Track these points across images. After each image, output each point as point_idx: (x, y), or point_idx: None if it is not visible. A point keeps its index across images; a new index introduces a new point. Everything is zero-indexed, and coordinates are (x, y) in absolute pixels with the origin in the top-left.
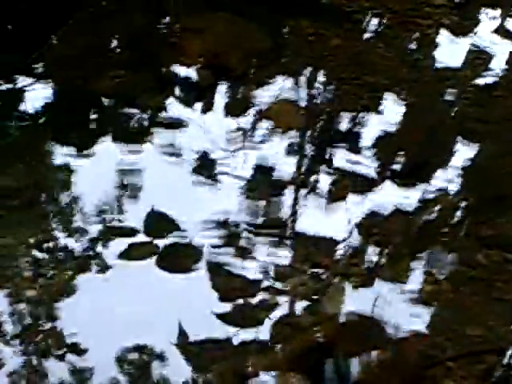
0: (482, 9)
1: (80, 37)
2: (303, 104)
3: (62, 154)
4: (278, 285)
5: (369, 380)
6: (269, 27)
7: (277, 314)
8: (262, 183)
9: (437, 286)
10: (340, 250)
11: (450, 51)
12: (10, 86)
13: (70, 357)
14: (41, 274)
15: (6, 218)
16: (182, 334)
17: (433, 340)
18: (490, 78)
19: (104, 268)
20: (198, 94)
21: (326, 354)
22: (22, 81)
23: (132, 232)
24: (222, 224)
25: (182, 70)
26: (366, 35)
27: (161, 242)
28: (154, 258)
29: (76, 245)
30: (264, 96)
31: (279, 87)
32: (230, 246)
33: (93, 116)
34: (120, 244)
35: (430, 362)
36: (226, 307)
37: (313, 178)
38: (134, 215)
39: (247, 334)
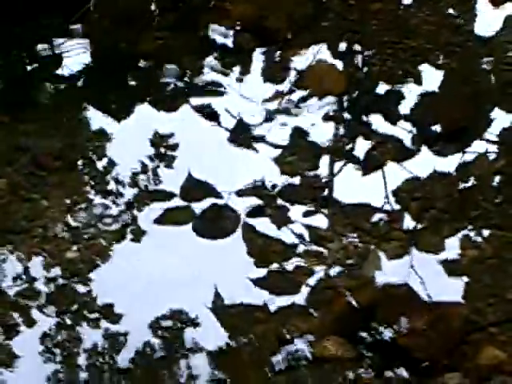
0: None
1: None
2: (343, 69)
3: (100, 117)
4: (317, 249)
5: (409, 345)
6: None
7: (316, 278)
8: (300, 149)
9: (478, 251)
10: (380, 215)
11: (491, 15)
12: (49, 48)
13: (104, 321)
14: (79, 236)
15: (48, 179)
16: (219, 298)
17: (474, 305)
18: None
19: (140, 232)
20: (238, 57)
21: (366, 319)
22: (62, 44)
23: (168, 196)
24: (259, 189)
25: (222, 34)
26: None
27: (197, 207)
28: (191, 222)
29: (113, 209)
30: (304, 61)
31: (319, 52)
32: (267, 211)
33: (132, 79)
34: (156, 208)
35: (472, 328)
36: (264, 271)
37: (351, 143)
38: (171, 180)
39: (286, 299)
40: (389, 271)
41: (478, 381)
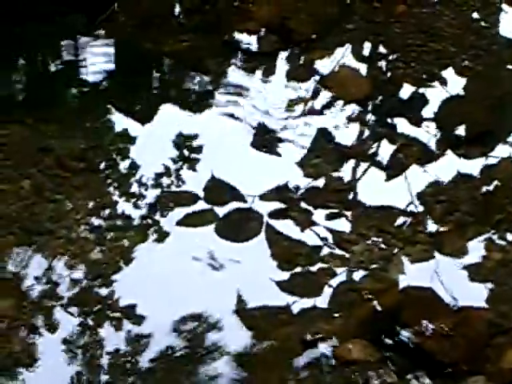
0: None
1: (145, 0)
2: (367, 72)
3: (124, 119)
4: (341, 252)
5: (433, 349)
6: None
7: (339, 280)
8: (324, 151)
9: (502, 254)
10: (404, 218)
11: None
12: (74, 50)
13: (127, 322)
14: (103, 238)
15: (72, 181)
16: (242, 300)
17: (498, 309)
18: None
19: (163, 234)
20: (262, 60)
21: (390, 322)
22: (86, 45)
23: (192, 199)
24: (283, 192)
25: (247, 35)
26: (432, 2)
27: (220, 210)
28: (214, 224)
29: (136, 210)
30: (328, 63)
31: (343, 54)
32: (291, 213)
33: (156, 80)
34: (179, 210)
35: (496, 331)
36: (287, 274)
37: (375, 146)
38: (194, 182)
39: (309, 301)
40: (413, 274)
41: None
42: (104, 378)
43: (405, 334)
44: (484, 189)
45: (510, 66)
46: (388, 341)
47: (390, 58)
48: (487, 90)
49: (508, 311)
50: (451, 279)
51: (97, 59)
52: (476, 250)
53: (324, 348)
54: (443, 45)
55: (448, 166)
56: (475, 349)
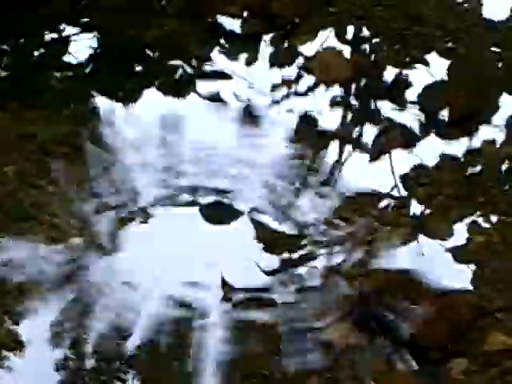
0: None
1: None
2: (350, 55)
3: (107, 104)
4: (324, 236)
5: (416, 331)
6: None
7: (323, 264)
8: (307, 135)
9: (486, 237)
10: (387, 201)
11: (499, 2)
12: (55, 36)
13: (111, 308)
14: (87, 222)
15: (56, 166)
16: (226, 285)
17: (481, 291)
18: None
19: (148, 218)
20: (245, 44)
21: (374, 305)
22: (68, 31)
23: (177, 182)
24: (267, 175)
25: (229, 20)
26: None
27: (206, 193)
28: (199, 209)
29: (121, 194)
30: (311, 46)
31: (326, 38)
32: (274, 197)
33: (138, 66)
34: (165, 194)
35: (478, 313)
36: (271, 258)
37: (359, 129)
38: (179, 166)
39: (294, 286)
40: (399, 258)
41: (485, 367)
42: (90, 363)
43: (389, 318)
44: (467, 171)
45: (492, 49)
46: (372, 324)
47: (374, 41)
48: (470, 72)
49: (491, 294)
50: (435, 262)
51: (80, 45)
52: (459, 232)
53: (309, 331)
54: (426, 28)
55: (432, 149)
56: (458, 331)
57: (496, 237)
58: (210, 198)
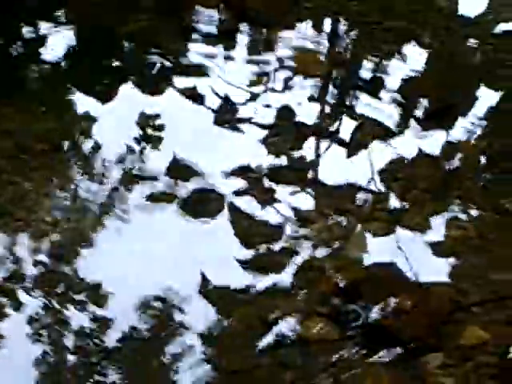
0: None
1: None
2: (326, 49)
3: (84, 99)
4: (302, 230)
5: (393, 325)
6: None
7: (300, 258)
8: (285, 129)
9: (462, 231)
10: (364, 196)
11: None
12: (32, 31)
13: (91, 302)
14: (65, 219)
15: (32, 162)
16: (205, 279)
17: (457, 285)
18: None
19: (126, 214)
20: (222, 38)
21: (351, 299)
22: (45, 26)
23: (154, 178)
24: (245, 170)
25: (204, 15)
26: None
27: (183, 189)
28: (177, 204)
29: (99, 191)
30: (287, 41)
31: (302, 32)
32: (253, 192)
33: (115, 61)
34: (143, 190)
35: (455, 307)
36: (249, 253)
37: (335, 124)
38: (156, 162)
39: (271, 279)
40: (373, 252)
41: (461, 361)
42: (70, 358)
43: (366, 311)
44: (443, 166)
45: (468, 43)
46: (349, 318)
47: (350, 35)
48: (447, 66)
49: (467, 288)
50: (411, 257)
51: (57, 40)
52: (435, 227)
53: (285, 326)
54: (402, 22)
55: (409, 143)
56: (435, 325)
57: (472, 231)
58: (191, 186)
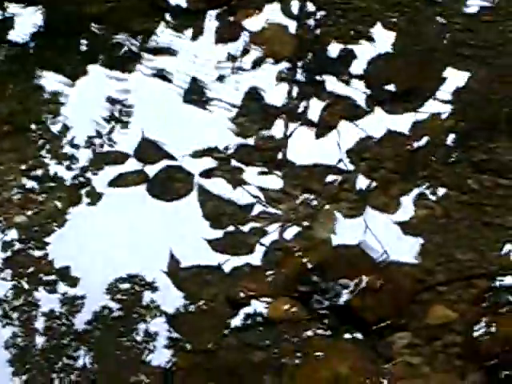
0: None
1: None
2: (294, 30)
3: (52, 81)
4: (269, 210)
5: (360, 305)
6: None
7: (268, 239)
8: (253, 110)
9: (428, 211)
10: (331, 176)
11: None
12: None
13: (61, 284)
14: (31, 200)
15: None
16: (173, 260)
17: (424, 265)
18: (481, 3)
19: (94, 195)
20: (190, 18)
21: (318, 279)
22: (11, 7)
23: (123, 158)
24: (213, 151)
25: None
26: None
27: (151, 169)
28: (145, 185)
29: (66, 172)
30: (256, 21)
31: (270, 13)
32: (221, 172)
33: (83, 42)
34: (110, 171)
35: (421, 287)
36: (218, 233)
37: (304, 104)
38: (125, 142)
39: (238, 260)
40: (342, 232)
41: (428, 340)
42: (40, 340)
43: (333, 291)
44: (411, 146)
45: (435, 23)
46: (316, 298)
47: (317, 16)
48: (414, 46)
49: (434, 267)
50: (378, 236)
51: (23, 21)
52: (402, 206)
53: (253, 307)
54: (367, 2)
55: (376, 123)
56: (401, 305)
57: (439, 210)
58: (159, 166)
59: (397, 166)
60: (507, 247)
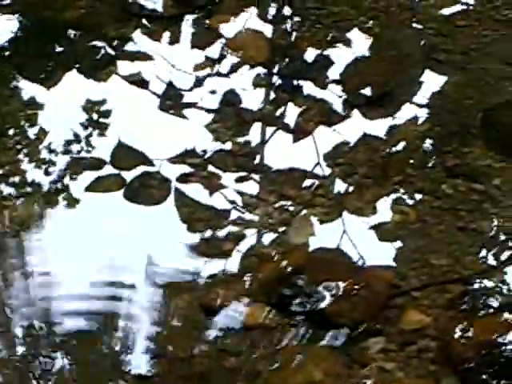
0: None
1: None
2: (270, 36)
3: (28, 86)
4: (245, 216)
5: (335, 309)
6: None
7: (244, 245)
8: (230, 115)
9: (403, 216)
10: (306, 182)
11: None
12: None
13: (38, 289)
14: (10, 205)
15: None
16: (151, 265)
17: (398, 270)
18: (455, 8)
19: (71, 200)
20: (165, 24)
21: (294, 285)
22: None
23: (99, 164)
24: (190, 156)
25: (147, 1)
26: None
27: (128, 174)
28: (122, 190)
29: (43, 177)
30: (230, 27)
31: (245, 18)
32: (197, 178)
33: (59, 47)
34: (87, 176)
35: (396, 292)
36: (194, 238)
37: (279, 110)
38: (102, 148)
39: (215, 265)
40: (318, 237)
41: (402, 345)
42: (18, 346)
43: (308, 297)
44: (386, 150)
45: (409, 28)
46: (292, 303)
47: (293, 21)
48: (389, 51)
49: (408, 272)
50: (353, 241)
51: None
52: (377, 211)
53: (228, 313)
54: (342, 7)
55: (352, 128)
56: (375, 310)
57: (413, 215)
58: (136, 171)
59: (371, 171)
60: (481, 252)
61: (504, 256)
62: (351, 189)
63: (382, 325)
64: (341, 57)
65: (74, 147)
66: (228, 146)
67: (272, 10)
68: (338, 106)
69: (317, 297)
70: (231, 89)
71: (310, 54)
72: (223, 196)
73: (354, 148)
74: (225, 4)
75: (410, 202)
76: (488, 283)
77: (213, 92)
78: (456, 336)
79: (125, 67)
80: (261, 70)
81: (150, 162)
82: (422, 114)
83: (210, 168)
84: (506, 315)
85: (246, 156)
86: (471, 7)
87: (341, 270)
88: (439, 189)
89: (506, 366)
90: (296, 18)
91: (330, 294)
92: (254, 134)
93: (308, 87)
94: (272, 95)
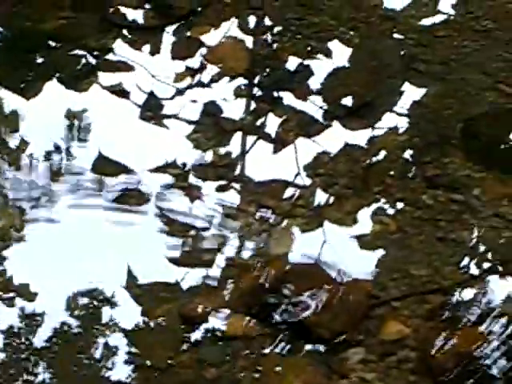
0: None
1: None
2: (250, 46)
3: (9, 97)
4: (225, 227)
5: (315, 319)
6: None
7: (224, 255)
8: (211, 126)
9: (382, 226)
10: (286, 192)
11: None
12: None
13: (19, 300)
14: None
15: None
16: (131, 276)
17: (378, 280)
18: (435, 18)
19: (52, 212)
20: (145, 35)
21: (274, 296)
22: None
23: (80, 175)
24: (170, 166)
25: (127, 11)
26: None
27: (109, 185)
28: (103, 200)
29: (25, 188)
30: (211, 38)
31: (226, 29)
32: (178, 188)
33: (38, 58)
34: (69, 188)
35: (376, 302)
36: (175, 249)
37: (260, 120)
38: (83, 158)
39: (195, 276)
40: (298, 247)
41: (382, 356)
42: None
43: (288, 307)
44: (366, 161)
45: (390, 38)
46: (272, 314)
47: (273, 31)
48: (366, 62)
49: (388, 283)
50: (333, 252)
51: None
52: (357, 222)
53: (208, 323)
54: (322, 18)
55: (332, 139)
56: (355, 321)
57: (393, 226)
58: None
59: (351, 182)
60: (461, 262)
61: (484, 266)
62: (332, 199)
63: (361, 335)
64: (321, 67)
65: (55, 157)
66: (209, 156)
67: (252, 21)
68: (318, 116)
69: (297, 307)
70: (212, 100)
71: (291, 65)
72: (203, 206)
73: (334, 158)
74: (206, 15)
75: (391, 212)
76: (468, 294)
77: (194, 101)
78: (436, 347)
79: (106, 77)
80: (241, 80)
81: (130, 173)
82: (403, 123)
83: (191, 178)
84: (486, 326)
85: (226, 167)
86: (451, 17)
87: (321, 280)
88: (419, 199)
89: (485, 377)
90: (276, 29)
91: (309, 305)
92: (234, 145)
93: (288, 98)
94: (253, 105)
